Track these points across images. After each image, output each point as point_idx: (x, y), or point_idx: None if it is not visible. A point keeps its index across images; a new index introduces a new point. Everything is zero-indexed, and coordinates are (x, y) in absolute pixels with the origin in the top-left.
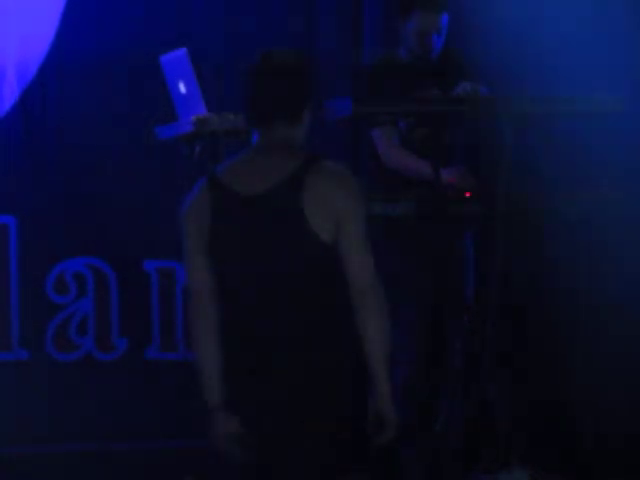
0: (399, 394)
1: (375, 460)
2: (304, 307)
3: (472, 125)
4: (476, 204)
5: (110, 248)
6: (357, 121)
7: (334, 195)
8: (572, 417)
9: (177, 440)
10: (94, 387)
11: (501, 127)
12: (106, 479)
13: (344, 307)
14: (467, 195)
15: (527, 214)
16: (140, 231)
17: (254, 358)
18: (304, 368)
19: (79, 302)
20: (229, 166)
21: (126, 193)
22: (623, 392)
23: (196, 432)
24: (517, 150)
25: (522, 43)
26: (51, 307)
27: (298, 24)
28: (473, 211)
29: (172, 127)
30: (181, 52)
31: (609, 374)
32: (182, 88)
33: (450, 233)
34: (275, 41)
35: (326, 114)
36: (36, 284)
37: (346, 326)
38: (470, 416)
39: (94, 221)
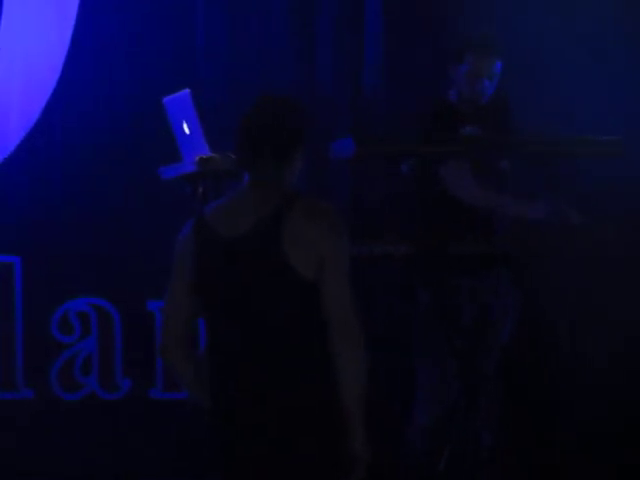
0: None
1: None
2: (285, 346)
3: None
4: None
5: (114, 288)
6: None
7: (315, 232)
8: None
9: None
10: (98, 426)
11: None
12: None
13: (325, 346)
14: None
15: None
16: (144, 271)
17: (235, 396)
18: (283, 405)
19: (83, 342)
20: (216, 207)
21: (130, 233)
22: None
23: (199, 472)
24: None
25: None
26: (56, 346)
27: (299, 66)
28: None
29: (175, 167)
30: (184, 93)
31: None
32: (185, 129)
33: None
34: (276, 81)
35: (330, 154)
36: (40, 323)
37: (326, 366)
38: (471, 456)
39: (98, 261)
